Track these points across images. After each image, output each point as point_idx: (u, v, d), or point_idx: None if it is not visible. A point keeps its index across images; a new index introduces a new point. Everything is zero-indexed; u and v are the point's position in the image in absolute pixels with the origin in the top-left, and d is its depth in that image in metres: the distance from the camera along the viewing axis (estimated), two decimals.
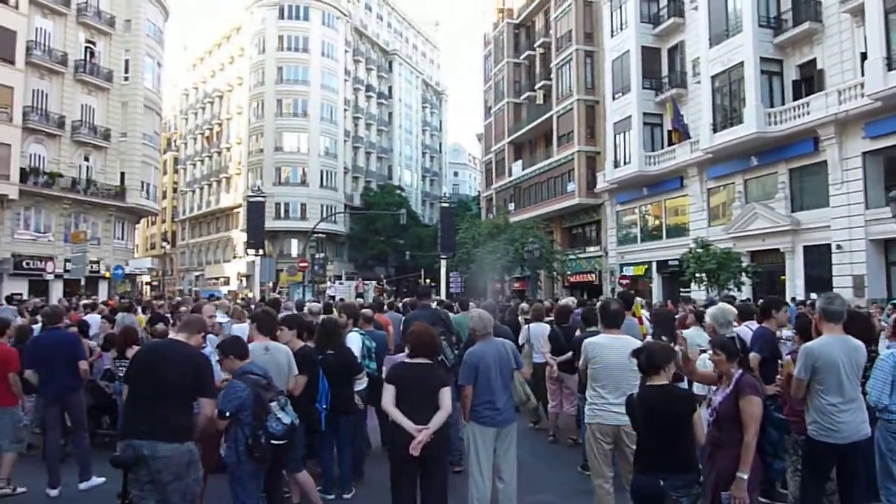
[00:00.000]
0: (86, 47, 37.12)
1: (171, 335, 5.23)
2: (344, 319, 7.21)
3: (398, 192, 63.73)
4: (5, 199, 32.11)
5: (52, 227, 35.32)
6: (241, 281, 56.63)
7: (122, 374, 7.07)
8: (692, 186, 28.46)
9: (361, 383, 6.33)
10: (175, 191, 73.66)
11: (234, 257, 60.26)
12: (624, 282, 28.95)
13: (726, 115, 25.15)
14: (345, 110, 59.62)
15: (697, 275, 21.32)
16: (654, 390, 3.78)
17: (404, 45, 75.57)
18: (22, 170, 32.63)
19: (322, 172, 56.12)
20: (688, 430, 3.72)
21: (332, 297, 23.52)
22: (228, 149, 62.14)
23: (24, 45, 32.68)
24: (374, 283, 37.44)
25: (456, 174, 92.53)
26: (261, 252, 23.43)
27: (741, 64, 24.09)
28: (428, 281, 54.48)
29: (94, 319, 10.47)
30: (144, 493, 3.88)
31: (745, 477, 3.79)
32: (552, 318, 8.92)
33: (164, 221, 71.46)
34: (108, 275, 32.44)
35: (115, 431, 7.11)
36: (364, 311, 8.03)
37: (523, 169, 42.94)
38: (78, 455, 6.60)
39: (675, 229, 30.49)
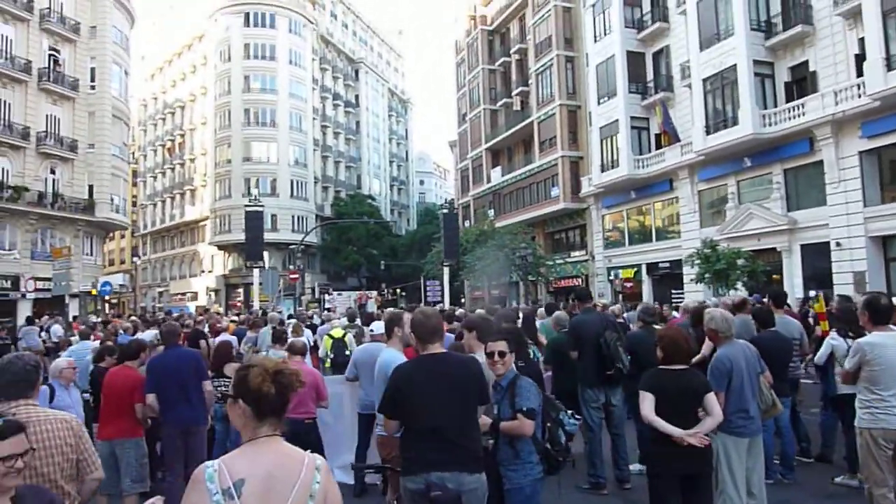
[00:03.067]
0: (50, 55, 35.43)
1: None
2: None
3: (369, 201, 62.99)
4: None
5: (18, 244, 33.51)
6: (210, 296, 55.04)
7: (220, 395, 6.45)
8: (683, 189, 28.70)
9: None
10: (135, 204, 71.23)
11: (202, 272, 58.54)
12: (628, 284, 28.97)
13: (719, 117, 25.44)
14: (313, 119, 58.68)
15: (707, 275, 21.33)
16: None
17: (370, 54, 75.07)
18: None
19: (292, 182, 55.02)
20: None
21: (329, 310, 22.83)
22: (192, 160, 60.43)
23: None
24: (375, 293, 36.73)
25: (422, 182, 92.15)
26: (260, 263, 22.54)
27: (734, 67, 24.41)
28: (399, 290, 54.06)
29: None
30: None
31: None
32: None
33: (122, 237, 68.99)
34: (94, 292, 30.96)
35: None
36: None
37: (503, 175, 42.83)
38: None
39: (664, 232, 30.73)
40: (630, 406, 6.90)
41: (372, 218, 57.11)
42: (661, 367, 4.20)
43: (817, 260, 22.68)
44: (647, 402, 4.01)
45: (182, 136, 62.51)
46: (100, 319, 19.05)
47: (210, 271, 57.12)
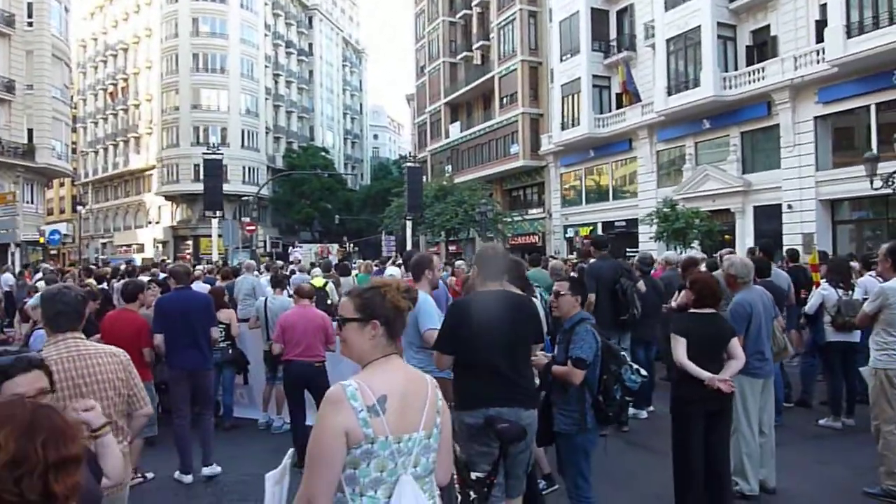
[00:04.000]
0: None
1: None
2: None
3: (323, 153, 61.78)
4: None
5: None
6: (158, 248, 53.51)
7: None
8: (642, 149, 29.10)
9: None
10: (74, 151, 68.04)
11: (149, 223, 56.75)
12: (587, 241, 29.35)
13: (681, 78, 25.72)
14: (265, 67, 56.69)
15: (664, 234, 21.85)
16: None
17: (324, 1, 72.57)
18: None
19: (243, 132, 53.36)
20: None
21: (294, 262, 22.54)
22: (137, 106, 57.87)
23: None
24: (336, 246, 36.34)
25: (376, 137, 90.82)
26: (219, 213, 21.95)
27: (698, 28, 24.60)
28: (353, 245, 53.71)
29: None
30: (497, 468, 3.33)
31: None
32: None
33: (62, 185, 65.97)
34: (42, 240, 29.76)
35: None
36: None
37: (461, 131, 42.54)
38: (203, 437, 5.80)
39: (621, 191, 31.22)
40: (631, 351, 7.17)
41: (326, 171, 56.14)
42: (692, 310, 4.31)
43: (768, 221, 23.45)
44: (679, 346, 4.13)
45: (125, 80, 59.60)
46: (57, 267, 18.33)
47: (157, 222, 55.41)
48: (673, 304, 7.12)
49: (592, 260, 8.48)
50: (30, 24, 35.11)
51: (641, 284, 7.43)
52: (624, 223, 30.42)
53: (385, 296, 2.10)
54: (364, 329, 2.07)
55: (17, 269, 24.61)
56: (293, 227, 59.30)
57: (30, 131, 35.10)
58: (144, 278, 9.54)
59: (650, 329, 7.52)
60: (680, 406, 4.32)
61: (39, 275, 14.86)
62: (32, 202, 36.95)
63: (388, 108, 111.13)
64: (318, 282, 9.88)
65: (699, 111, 25.21)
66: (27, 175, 35.45)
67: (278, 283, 7.65)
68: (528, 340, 3.58)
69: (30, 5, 35.21)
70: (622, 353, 4.12)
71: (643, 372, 4.00)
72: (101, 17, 63.94)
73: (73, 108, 68.12)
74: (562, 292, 4.01)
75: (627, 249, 29.64)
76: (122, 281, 9.58)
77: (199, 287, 9.43)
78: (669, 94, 26.05)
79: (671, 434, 4.39)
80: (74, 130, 67.57)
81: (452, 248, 41.14)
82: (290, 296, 7.76)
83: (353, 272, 12.31)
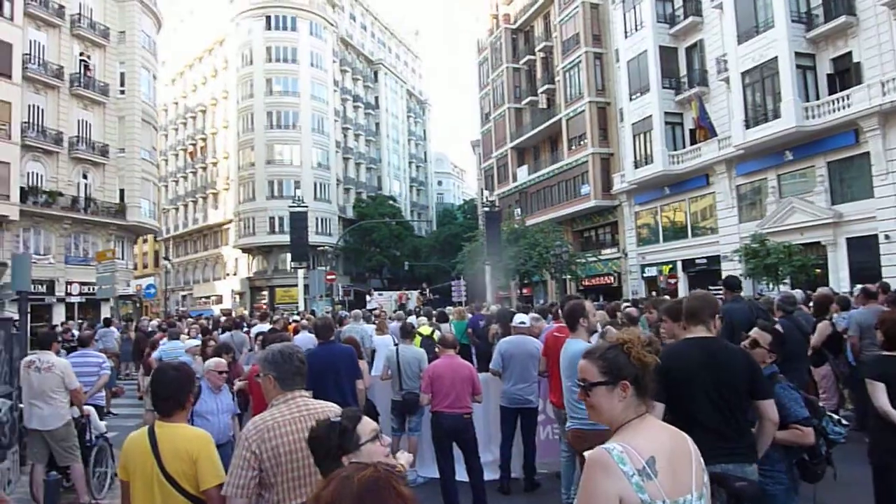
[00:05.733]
0: (80, 60, 35.69)
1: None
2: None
3: (390, 202, 63.02)
4: (5, 221, 30.54)
5: (53, 249, 33.75)
6: (236, 299, 55.21)
7: None
8: (720, 184, 28.43)
9: None
10: (157, 208, 71.66)
11: (226, 275, 58.76)
12: (672, 280, 28.75)
13: (759, 110, 25.19)
14: (334, 121, 58.79)
15: (755, 270, 21.11)
16: None
17: (388, 55, 75.16)
18: (21, 189, 31.12)
19: (315, 184, 55.08)
20: None
21: (372, 311, 22.77)
22: (215, 164, 60.68)
23: (21, 58, 31.25)
24: (416, 293, 36.74)
25: (440, 183, 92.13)
26: (304, 264, 22.54)
27: (775, 59, 24.15)
28: (428, 291, 54.10)
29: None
30: None
31: None
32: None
33: (145, 241, 69.34)
34: (140, 292, 31.21)
35: None
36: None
37: (529, 174, 42.68)
38: None
39: (700, 228, 30.47)
40: None
41: (394, 219, 57.19)
42: (884, 353, 4.06)
43: (864, 253, 22.35)
44: (879, 393, 3.83)
45: (204, 139, 62.78)
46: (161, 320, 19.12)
47: (234, 274, 57.32)
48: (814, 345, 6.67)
49: (728, 304, 8.07)
50: (122, 92, 37.61)
51: (779, 327, 7.04)
52: (705, 260, 29.59)
53: (629, 353, 2.01)
54: (613, 392, 1.98)
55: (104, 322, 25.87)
56: (363, 275, 60.27)
57: (121, 191, 37.25)
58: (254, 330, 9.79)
59: (798, 374, 7.08)
60: (883, 457, 3.96)
61: (154, 323, 15.52)
62: (123, 258, 38.88)
63: (451, 155, 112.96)
64: (426, 330, 9.90)
65: (781, 143, 24.54)
66: (118, 233, 37.47)
67: (408, 333, 7.53)
68: (743, 392, 3.31)
69: (122, 75, 37.77)
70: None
71: (844, 422, 3.74)
72: (181, 82, 67.92)
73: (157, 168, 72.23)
74: (760, 344, 3.77)
75: (710, 288, 28.90)
76: (259, 331, 9.83)
77: (306, 338, 9.62)
78: (748, 126, 25.50)
79: (874, 488, 4.02)
80: (158, 189, 71.45)
81: (525, 291, 40.94)
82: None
83: (450, 318, 12.31)
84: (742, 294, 7.44)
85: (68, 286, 33.42)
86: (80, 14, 35.44)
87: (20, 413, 6.91)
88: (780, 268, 20.43)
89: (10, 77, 30.43)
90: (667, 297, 18.00)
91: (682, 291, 30.51)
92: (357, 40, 67.53)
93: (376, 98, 69.73)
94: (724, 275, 26.60)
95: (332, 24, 59.43)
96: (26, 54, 31.94)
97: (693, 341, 3.39)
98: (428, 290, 40.59)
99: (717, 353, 3.33)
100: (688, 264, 30.66)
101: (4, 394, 6.57)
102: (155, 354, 8.88)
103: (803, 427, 3.49)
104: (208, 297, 59.49)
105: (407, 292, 36.43)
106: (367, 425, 2.19)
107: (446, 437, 5.96)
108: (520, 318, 6.62)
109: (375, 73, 70.03)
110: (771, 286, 20.81)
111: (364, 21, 70.94)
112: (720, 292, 22.67)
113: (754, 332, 3.82)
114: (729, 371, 3.26)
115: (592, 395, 2.01)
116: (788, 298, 7.71)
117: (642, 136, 31.62)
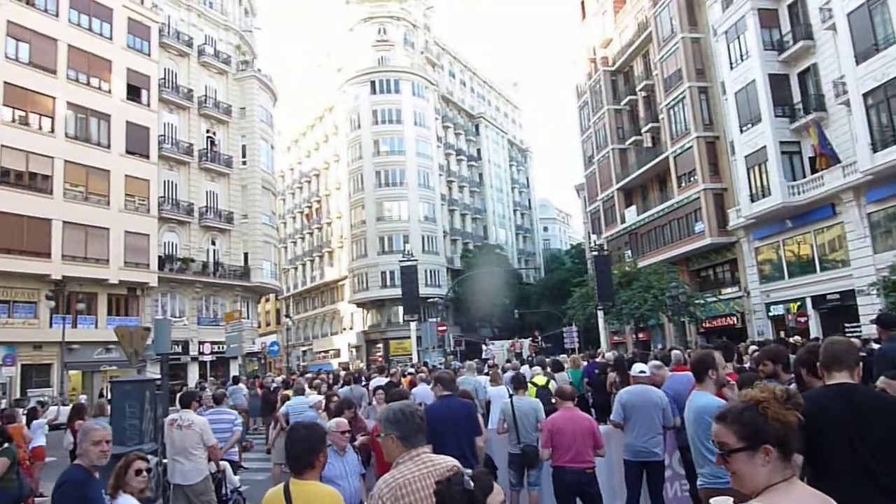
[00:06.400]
0: (207, 137, 39.04)
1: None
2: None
3: (497, 250, 63.38)
4: (146, 287, 33.36)
5: (186, 311, 36.38)
6: (352, 352, 56.90)
7: None
8: (849, 213, 26.52)
9: None
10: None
11: (343, 329, 60.80)
12: (802, 319, 26.94)
13: (886, 132, 23.48)
14: (439, 175, 60.42)
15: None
16: None
17: (488, 108, 76.83)
18: (159, 257, 33.98)
19: (423, 237, 56.45)
20: None
21: (485, 361, 22.73)
22: (329, 224, 63.69)
23: (157, 139, 34.57)
24: (528, 341, 36.65)
25: (546, 229, 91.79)
26: (416, 316, 23.07)
27: None
28: (540, 339, 53.40)
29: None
30: None
31: None
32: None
33: (266, 300, 73.31)
34: (265, 350, 33.22)
35: None
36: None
37: (638, 214, 41.69)
38: None
39: (828, 261, 28.41)
40: None
41: (501, 267, 57.36)
42: None
43: None
44: None
45: (318, 201, 66.23)
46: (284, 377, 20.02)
47: (350, 328, 59.22)
48: None
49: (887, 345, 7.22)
50: (244, 163, 40.57)
51: None
52: (837, 296, 27.45)
53: (766, 413, 1.87)
54: (755, 457, 1.85)
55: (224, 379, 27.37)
56: (474, 325, 60.46)
57: (245, 255, 39.79)
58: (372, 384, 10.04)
59: None
60: None
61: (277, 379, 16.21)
62: (249, 317, 41.26)
63: (555, 200, 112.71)
64: (540, 380, 9.80)
65: None
66: (244, 293, 39.88)
67: (521, 383, 7.46)
68: (891, 444, 2.93)
69: (243, 147, 40.82)
70: None
71: None
72: (296, 149, 72.46)
73: (276, 231, 76.74)
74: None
75: (846, 325, 26.70)
76: (377, 385, 10.16)
77: (424, 390, 9.76)
78: (875, 150, 23.78)
79: None
80: (278, 251, 75.75)
81: (641, 335, 39.49)
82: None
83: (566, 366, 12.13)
84: None
85: (200, 346, 35.82)
86: (205, 95, 38.89)
87: (164, 468, 7.45)
88: None
89: (147, 157, 33.72)
90: (798, 337, 16.85)
91: (814, 330, 28.39)
92: (457, 96, 69.61)
93: (478, 150, 71.15)
94: (860, 310, 24.80)
95: (433, 84, 61.66)
96: (161, 135, 35.33)
97: (836, 388, 3.11)
98: (540, 338, 40.09)
99: (864, 400, 3.05)
100: (818, 301, 28.52)
101: (151, 450, 7.11)
102: (282, 410, 9.26)
103: None
104: (327, 352, 61.66)
105: (520, 340, 36.18)
106: (496, 496, 2.22)
107: (570, 493, 5.82)
108: (639, 368, 6.42)
109: (476, 127, 71.64)
110: None
111: (463, 77, 73.14)
112: (857, 331, 21.00)
113: (881, 382, 3.47)
114: (876, 420, 2.95)
115: (732, 461, 1.89)
116: None
117: (757, 168, 30.20)
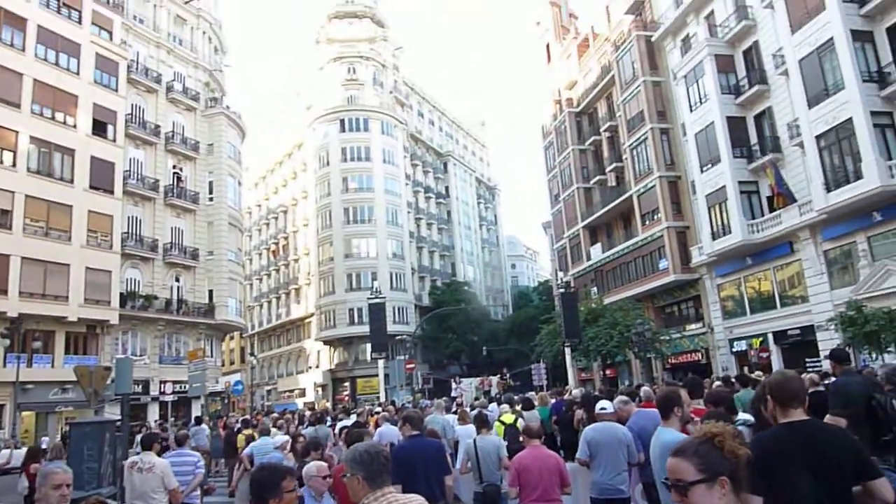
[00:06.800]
0: (174, 172, 38.71)
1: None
2: None
3: (465, 287, 63.50)
4: (106, 325, 32.56)
5: (148, 349, 35.54)
6: (318, 391, 56.00)
7: None
8: (806, 250, 27.33)
9: None
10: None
11: (309, 367, 59.90)
12: (764, 354, 27.41)
13: (839, 173, 24.41)
14: (407, 212, 60.69)
15: (853, 339, 19.89)
16: None
17: (456, 146, 77.83)
18: (121, 294, 33.26)
19: (391, 274, 56.35)
20: None
21: (454, 399, 22.63)
22: (296, 260, 63.23)
23: (122, 174, 34.16)
24: (496, 378, 36.50)
25: (514, 266, 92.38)
26: (384, 354, 22.90)
27: (849, 120, 23.55)
28: (508, 376, 53.32)
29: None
30: None
31: None
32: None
33: (231, 338, 71.96)
34: (229, 390, 32.49)
35: None
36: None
37: (603, 251, 42.31)
38: None
39: (788, 297, 29.13)
40: None
41: (469, 304, 57.45)
42: None
43: None
44: None
45: (286, 238, 65.82)
46: (244, 417, 19.62)
47: (317, 367, 58.38)
48: None
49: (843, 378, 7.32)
50: (210, 199, 40.25)
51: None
52: (798, 331, 28.08)
53: (722, 447, 1.94)
54: (713, 490, 1.89)
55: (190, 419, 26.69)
56: (442, 362, 60.16)
57: (210, 292, 39.19)
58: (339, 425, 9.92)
59: None
60: None
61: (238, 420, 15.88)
62: (212, 355, 40.41)
63: (523, 237, 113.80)
64: (508, 418, 9.77)
65: (867, 204, 23.53)
66: (208, 331, 39.15)
67: (483, 422, 7.47)
68: (847, 476, 3.04)
69: (210, 183, 40.54)
70: None
71: None
72: (264, 185, 72.20)
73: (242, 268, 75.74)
74: None
75: (807, 360, 27.28)
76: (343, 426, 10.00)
77: (389, 430, 9.66)
78: (828, 189, 24.66)
79: None
80: (244, 287, 74.68)
81: (608, 372, 39.66)
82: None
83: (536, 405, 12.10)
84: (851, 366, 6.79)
85: (162, 385, 34.95)
86: (173, 131, 38.70)
87: None
88: (883, 335, 19.15)
89: (112, 192, 33.27)
90: (759, 372, 17.14)
91: (776, 365, 28.91)
92: (426, 135, 70.44)
93: (447, 188, 71.79)
94: (820, 345, 25.38)
95: (402, 122, 62.35)
96: (126, 171, 34.93)
97: (797, 426, 3.16)
98: (508, 375, 40.05)
99: (826, 437, 3.11)
100: (780, 336, 29.14)
101: (110, 494, 6.90)
102: (246, 451, 9.09)
103: None
104: (292, 391, 60.61)
105: (489, 378, 36.08)
106: None
107: None
108: (601, 405, 6.49)
109: (445, 165, 72.41)
110: (875, 356, 19.49)
111: (432, 116, 74.15)
112: (818, 366, 21.43)
113: (829, 419, 3.55)
114: (832, 454, 3.02)
115: (691, 494, 1.91)
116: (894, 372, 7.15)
117: (717, 206, 31.04)
